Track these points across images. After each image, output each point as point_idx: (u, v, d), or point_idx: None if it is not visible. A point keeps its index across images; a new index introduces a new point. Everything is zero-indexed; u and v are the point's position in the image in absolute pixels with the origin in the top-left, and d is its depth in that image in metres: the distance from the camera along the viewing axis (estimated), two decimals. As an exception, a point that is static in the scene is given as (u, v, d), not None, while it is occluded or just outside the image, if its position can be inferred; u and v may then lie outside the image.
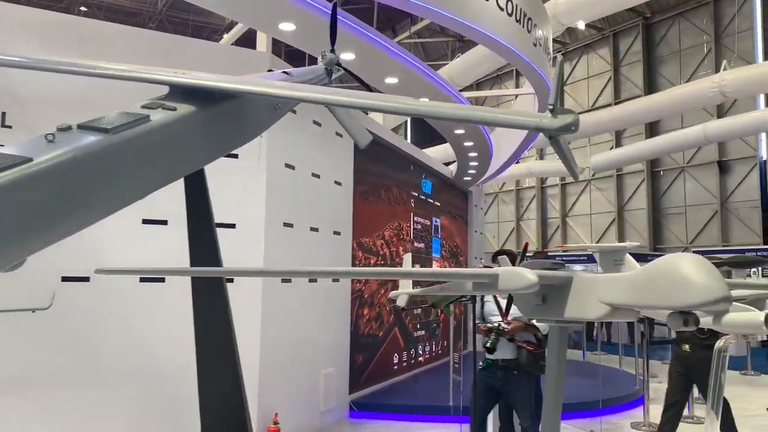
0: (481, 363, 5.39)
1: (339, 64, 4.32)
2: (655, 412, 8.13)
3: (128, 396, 5.37)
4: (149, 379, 5.42)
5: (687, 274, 1.99)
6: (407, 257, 4.09)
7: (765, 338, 4.85)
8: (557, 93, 2.41)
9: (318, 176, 7.25)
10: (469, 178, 13.02)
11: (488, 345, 5.07)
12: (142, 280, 5.65)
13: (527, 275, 2.25)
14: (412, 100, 2.76)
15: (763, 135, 20.58)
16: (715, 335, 5.00)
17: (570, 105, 27.01)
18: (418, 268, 2.80)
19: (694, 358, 6.15)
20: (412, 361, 10.40)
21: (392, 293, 3.67)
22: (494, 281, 2.37)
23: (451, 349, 8.35)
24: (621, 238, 24.71)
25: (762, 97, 19.89)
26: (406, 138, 34.50)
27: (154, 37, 6.43)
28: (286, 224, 6.57)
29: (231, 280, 6.02)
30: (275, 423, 6.11)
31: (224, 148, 3.03)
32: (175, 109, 2.53)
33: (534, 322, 5.15)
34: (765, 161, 20.81)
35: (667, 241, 23.22)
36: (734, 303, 3.81)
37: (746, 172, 21.25)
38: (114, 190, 2.23)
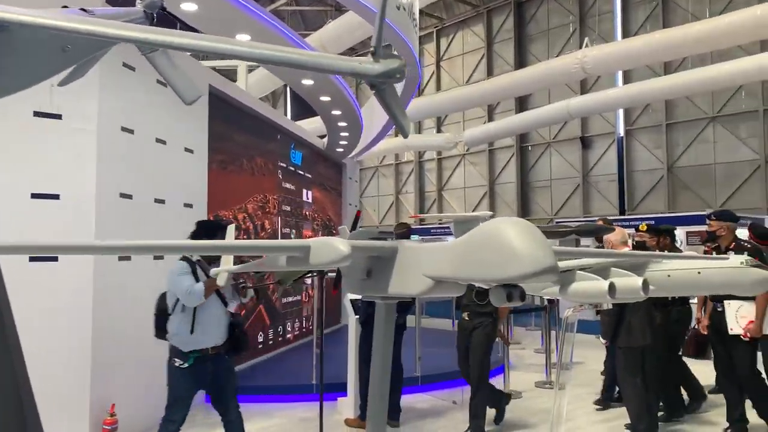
0: (180, 362, 4.43)
1: (163, 8, 3.76)
2: (515, 380, 8.33)
3: None
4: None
5: (510, 243, 1.70)
6: (230, 229, 3.67)
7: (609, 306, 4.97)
8: (380, 35, 2.08)
9: (164, 142, 6.58)
10: (341, 150, 12.67)
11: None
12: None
13: (339, 247, 1.91)
14: (227, 39, 2.32)
15: (621, 112, 21.94)
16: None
17: (446, 80, 27.44)
18: (223, 241, 2.42)
19: (471, 326, 5.96)
20: (280, 339, 10.00)
21: (212, 271, 3.25)
22: (306, 254, 2.02)
23: (315, 324, 8.04)
24: (492, 210, 25.58)
25: (620, 76, 21.12)
26: (285, 110, 33.54)
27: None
28: (123, 195, 5.89)
29: (55, 259, 5.34)
30: (111, 415, 5.51)
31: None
32: None
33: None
34: (622, 137, 22.22)
35: (534, 213, 24.31)
36: (579, 272, 3.75)
37: (605, 148, 22.61)
38: None
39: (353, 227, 2.71)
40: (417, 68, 8.20)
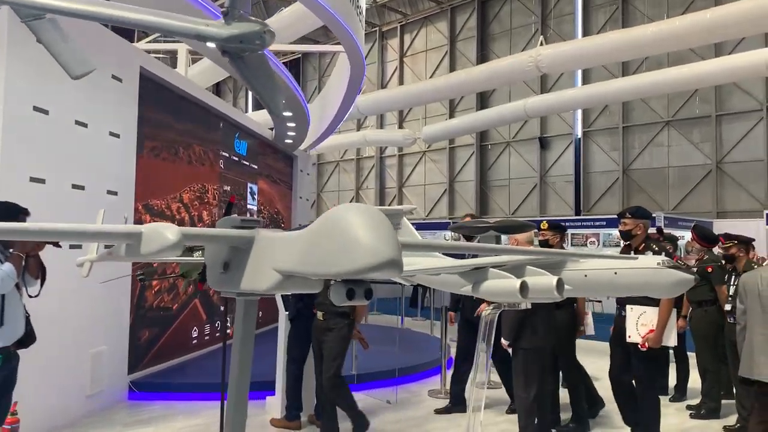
0: None
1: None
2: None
3: None
4: None
5: (350, 233, 1.46)
6: (100, 214, 3.39)
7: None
8: (235, -5, 1.84)
9: (85, 125, 6.21)
10: (290, 141, 12.37)
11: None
12: None
13: (166, 234, 1.67)
14: None
15: (579, 114, 22.07)
16: None
17: (409, 76, 27.26)
18: (44, 224, 2.14)
19: (324, 327, 5.53)
20: (217, 335, 9.67)
21: (78, 260, 2.98)
22: (138, 242, 1.78)
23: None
24: (451, 208, 25.59)
25: (579, 76, 21.24)
26: (246, 105, 32.97)
27: None
28: (34, 179, 5.52)
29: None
30: (13, 413, 5.13)
31: None
32: None
33: None
34: (579, 139, 22.37)
35: (492, 212, 24.35)
36: (492, 269, 3.57)
37: (563, 149, 22.74)
38: None
39: (226, 213, 2.47)
40: (361, 57, 7.96)
